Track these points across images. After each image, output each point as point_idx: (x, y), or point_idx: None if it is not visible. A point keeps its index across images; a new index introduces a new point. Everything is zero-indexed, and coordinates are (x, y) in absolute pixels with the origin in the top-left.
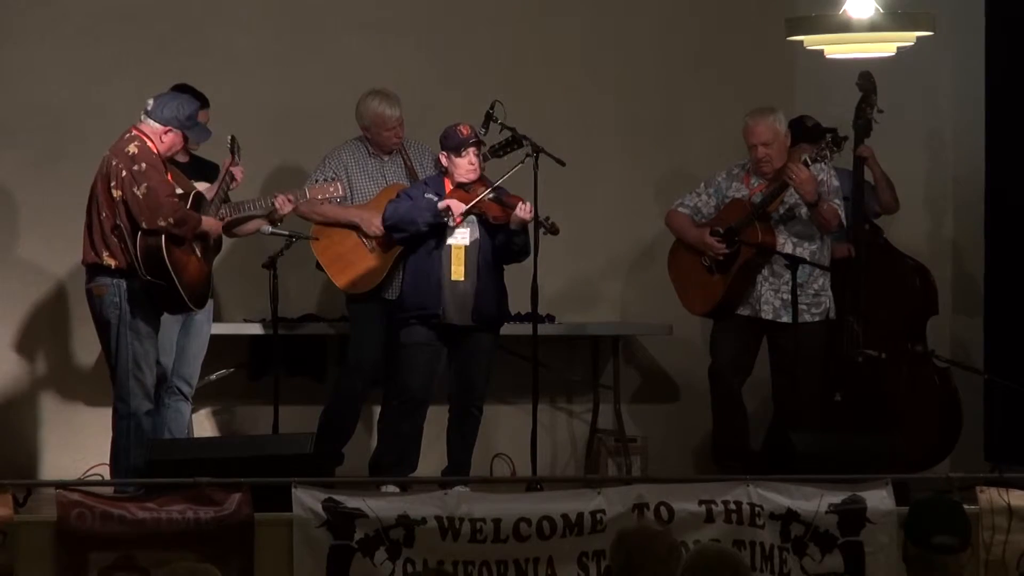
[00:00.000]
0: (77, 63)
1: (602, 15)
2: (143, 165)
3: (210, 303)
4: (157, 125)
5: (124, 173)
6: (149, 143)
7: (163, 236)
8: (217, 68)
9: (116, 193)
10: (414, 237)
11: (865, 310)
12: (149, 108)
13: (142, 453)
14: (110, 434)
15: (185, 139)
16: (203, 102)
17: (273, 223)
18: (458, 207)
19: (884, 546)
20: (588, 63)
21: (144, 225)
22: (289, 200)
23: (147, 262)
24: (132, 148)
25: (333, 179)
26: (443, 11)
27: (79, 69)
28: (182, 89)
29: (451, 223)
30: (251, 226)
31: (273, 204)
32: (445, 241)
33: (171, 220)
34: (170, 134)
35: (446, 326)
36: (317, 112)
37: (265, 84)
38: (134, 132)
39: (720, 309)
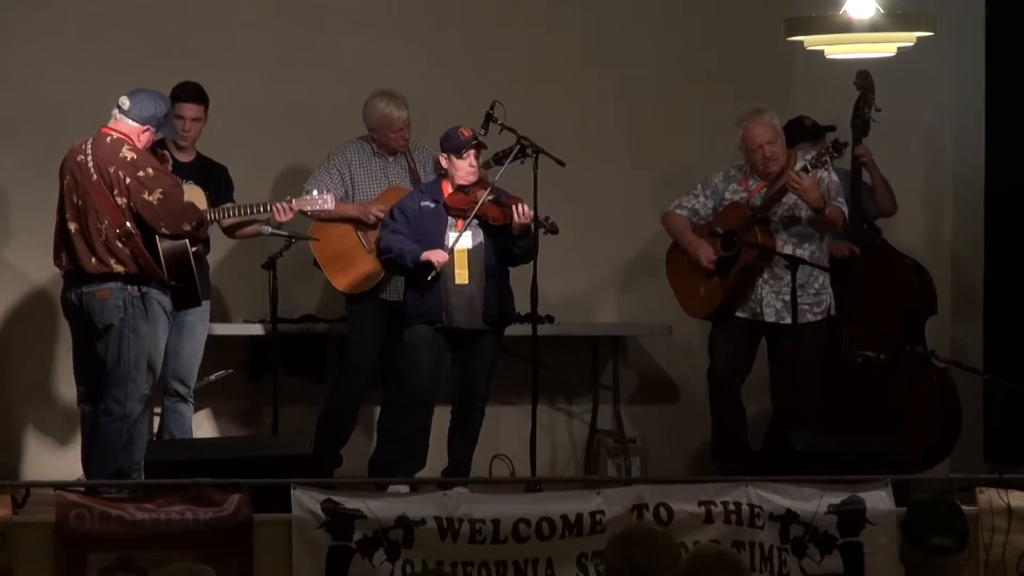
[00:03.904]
0: (77, 63)
1: (602, 15)
2: (149, 170)
3: (206, 304)
4: (135, 124)
5: (128, 180)
6: (134, 144)
7: (187, 240)
8: (217, 68)
9: (121, 201)
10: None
11: (864, 311)
12: (126, 107)
13: (127, 457)
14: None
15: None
16: (190, 96)
17: (277, 228)
18: (440, 259)
19: (884, 547)
20: (588, 63)
21: (166, 231)
22: (287, 209)
23: (170, 265)
24: (128, 153)
25: (325, 192)
26: (443, 11)
27: (79, 69)
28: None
29: (430, 277)
30: (251, 229)
31: (271, 212)
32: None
33: (194, 224)
34: (147, 133)
35: (451, 328)
36: (317, 112)
37: (265, 84)
38: (116, 135)
39: (719, 312)
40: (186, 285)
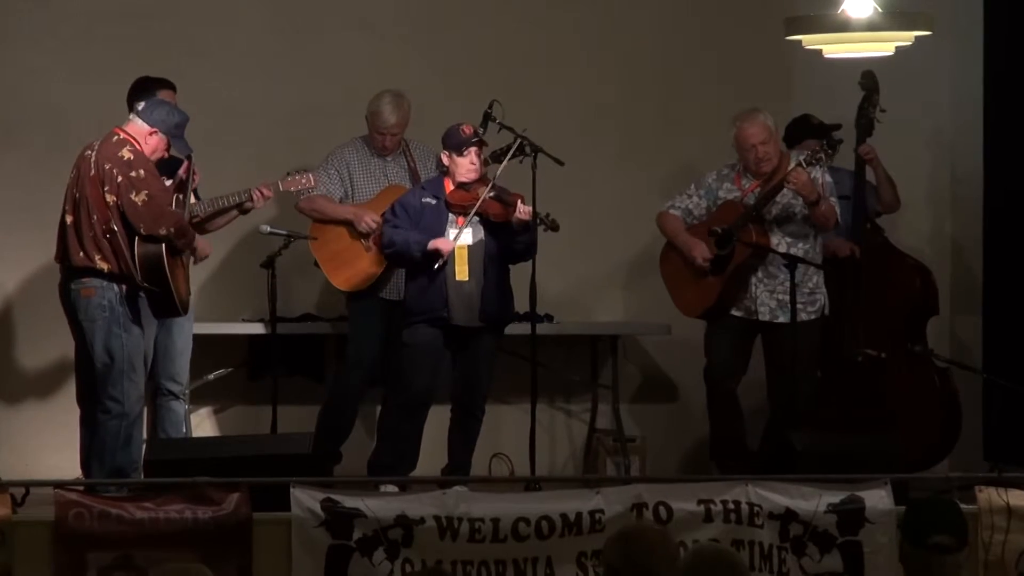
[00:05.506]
0: (76, 64)
1: (601, 15)
2: (141, 172)
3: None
4: (144, 126)
5: (120, 179)
6: (137, 146)
7: (163, 244)
8: (217, 68)
9: (110, 198)
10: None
11: (865, 310)
12: (139, 109)
13: (126, 456)
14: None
15: (167, 146)
16: (169, 86)
17: (244, 212)
18: (447, 247)
19: (883, 546)
20: (587, 63)
21: (143, 232)
22: (264, 194)
23: (144, 268)
24: (126, 153)
25: (304, 171)
26: (442, 11)
27: (78, 70)
28: (145, 80)
29: (437, 266)
30: (223, 220)
31: (248, 195)
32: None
33: (172, 230)
34: (155, 136)
35: (452, 327)
36: (317, 112)
37: (265, 84)
38: (122, 135)
39: (714, 311)
40: (162, 291)
